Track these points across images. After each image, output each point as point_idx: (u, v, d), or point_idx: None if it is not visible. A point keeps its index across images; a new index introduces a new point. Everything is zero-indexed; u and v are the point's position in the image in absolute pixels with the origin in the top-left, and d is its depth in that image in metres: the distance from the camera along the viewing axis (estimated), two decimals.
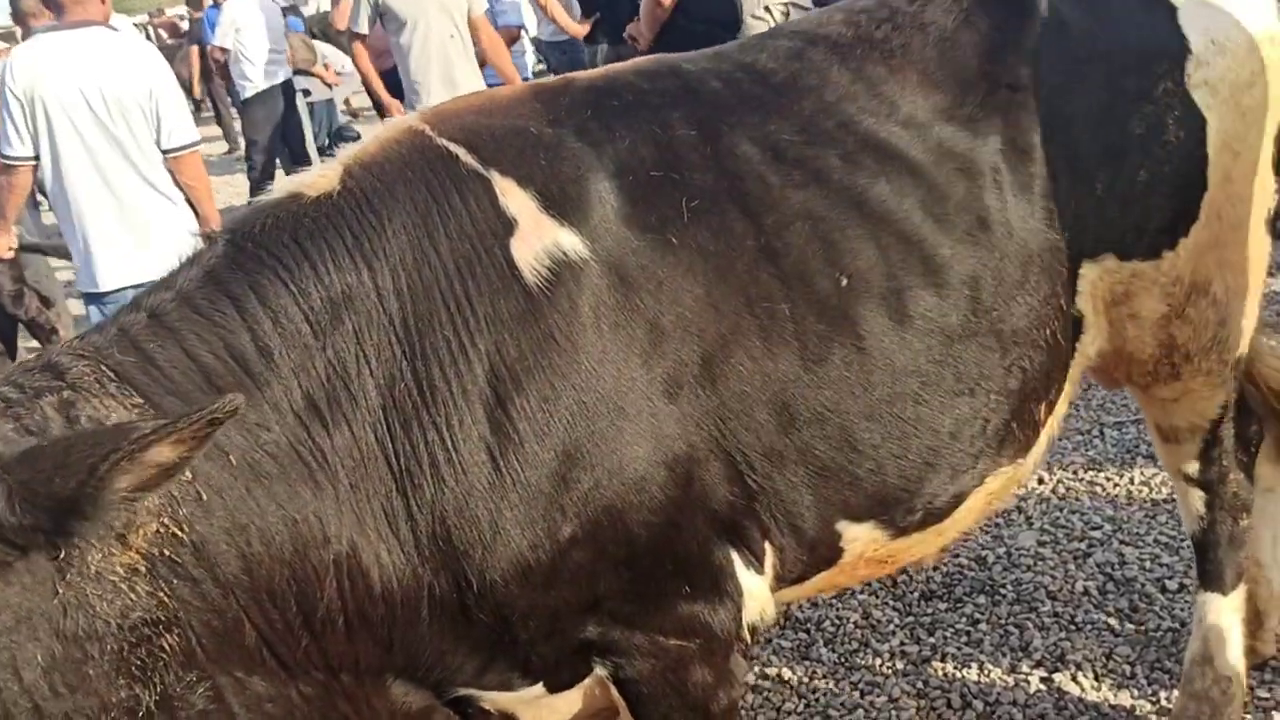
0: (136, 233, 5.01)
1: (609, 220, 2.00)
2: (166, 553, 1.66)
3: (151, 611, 1.64)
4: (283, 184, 2.04)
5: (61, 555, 1.56)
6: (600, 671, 2.04)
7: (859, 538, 2.21)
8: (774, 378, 2.03)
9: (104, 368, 1.73)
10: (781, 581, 2.19)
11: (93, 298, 5.14)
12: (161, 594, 1.66)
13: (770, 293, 2.05)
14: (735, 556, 2.06)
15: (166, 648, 1.67)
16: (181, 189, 5.21)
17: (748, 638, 2.14)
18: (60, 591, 1.56)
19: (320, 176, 2.00)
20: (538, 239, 1.94)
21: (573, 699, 2.10)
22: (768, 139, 2.16)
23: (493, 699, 2.05)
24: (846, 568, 2.29)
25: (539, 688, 2.03)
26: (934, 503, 2.28)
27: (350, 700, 1.92)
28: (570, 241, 1.95)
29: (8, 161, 5.03)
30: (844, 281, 2.10)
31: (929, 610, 3.75)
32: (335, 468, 1.80)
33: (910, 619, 3.73)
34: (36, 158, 4.98)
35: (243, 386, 1.76)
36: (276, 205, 1.96)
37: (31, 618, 1.54)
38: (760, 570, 2.11)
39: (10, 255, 5.68)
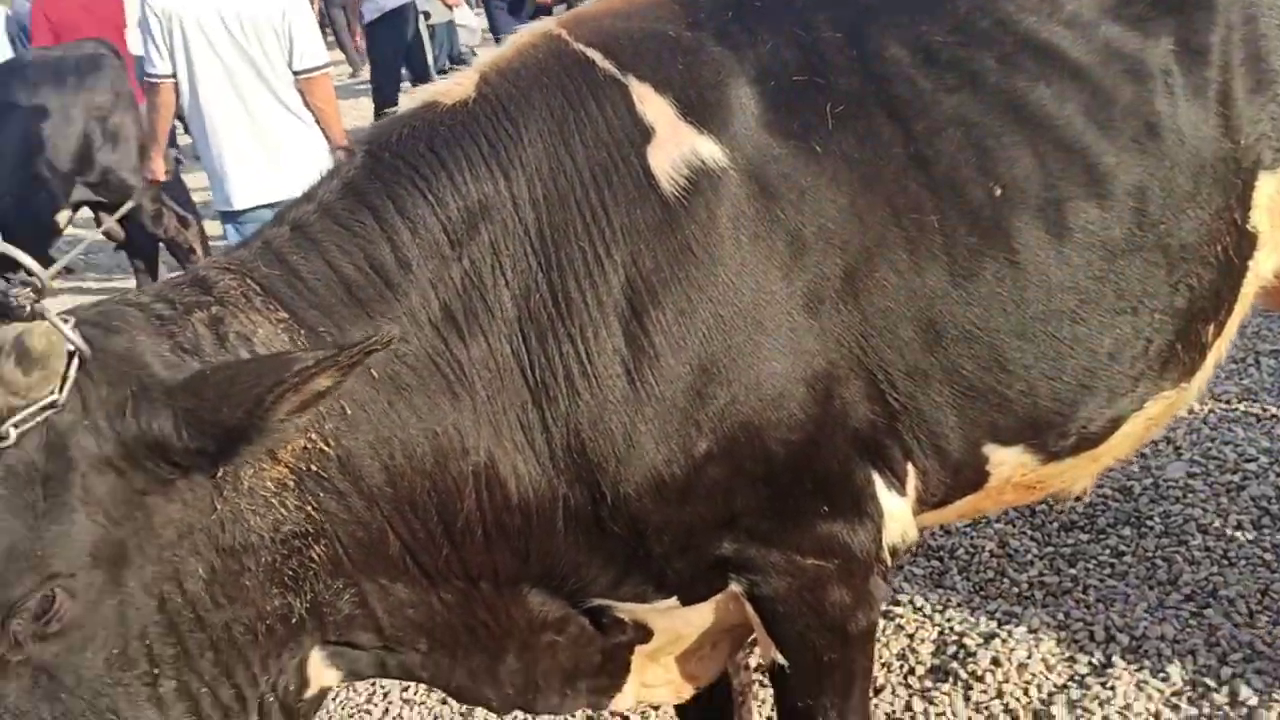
0: (270, 152, 5.11)
1: (749, 127, 1.93)
2: (314, 468, 1.70)
3: (300, 524, 1.69)
4: (419, 93, 2.02)
5: (219, 474, 1.60)
6: (736, 588, 2.02)
7: (1006, 461, 2.13)
8: (920, 293, 1.95)
9: (250, 281, 1.75)
10: (923, 505, 2.13)
11: (228, 216, 5.27)
12: (309, 507, 1.70)
13: (919, 203, 1.96)
14: (877, 477, 2.01)
15: (315, 558, 1.72)
16: (312, 111, 5.28)
17: (888, 560, 2.09)
18: (218, 507, 1.61)
19: (456, 84, 1.97)
20: (675, 147, 1.89)
21: (706, 612, 2.09)
22: (919, 40, 2.06)
23: (628, 609, 2.05)
24: (992, 492, 2.21)
25: (673, 600, 2.02)
26: (1089, 427, 2.18)
27: (489, 608, 1.95)
28: (709, 149, 1.89)
29: (151, 79, 5.18)
30: (998, 191, 1.99)
31: (1070, 541, 3.64)
32: (472, 380, 1.80)
33: (1050, 549, 3.62)
34: (176, 75, 5.10)
35: (382, 298, 1.78)
36: (413, 115, 1.96)
37: (193, 532, 1.60)
38: (902, 492, 2.05)
39: (167, 177, 5.85)
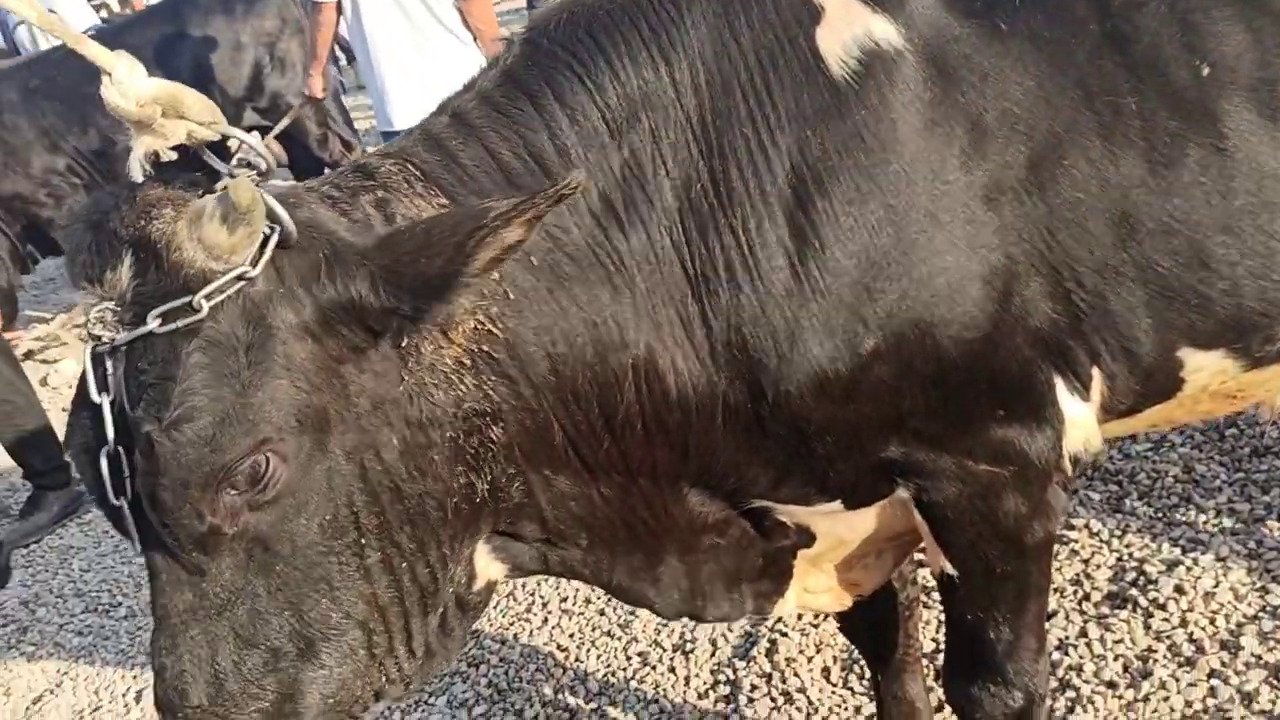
0: (431, 72, 5.14)
1: (927, 5, 1.82)
2: (485, 349, 1.70)
3: (480, 403, 1.71)
4: None
5: (405, 345, 1.62)
6: (903, 494, 1.94)
7: (1204, 367, 1.97)
8: (1114, 183, 1.81)
9: (410, 167, 1.75)
10: (1109, 413, 1.99)
11: (389, 136, 5.35)
12: (486, 387, 1.71)
13: (1115, 84, 1.81)
14: (1059, 380, 1.88)
15: (494, 439, 1.74)
16: (471, 31, 5.29)
17: (1069, 469, 1.96)
18: (405, 379, 1.63)
19: None
20: (846, 27, 1.79)
21: (872, 517, 2.03)
22: None
23: (789, 511, 2.01)
24: (1187, 401, 2.05)
25: (836, 504, 1.96)
26: None
27: (648, 504, 1.93)
28: (883, 30, 1.79)
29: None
30: (1205, 70, 1.82)
31: (1263, 467, 3.41)
32: (631, 271, 1.76)
33: (1240, 475, 3.41)
34: None
35: (540, 185, 1.75)
36: (573, 1, 1.90)
37: (384, 403, 1.62)
38: (1086, 397, 1.92)
39: (324, 95, 5.98)
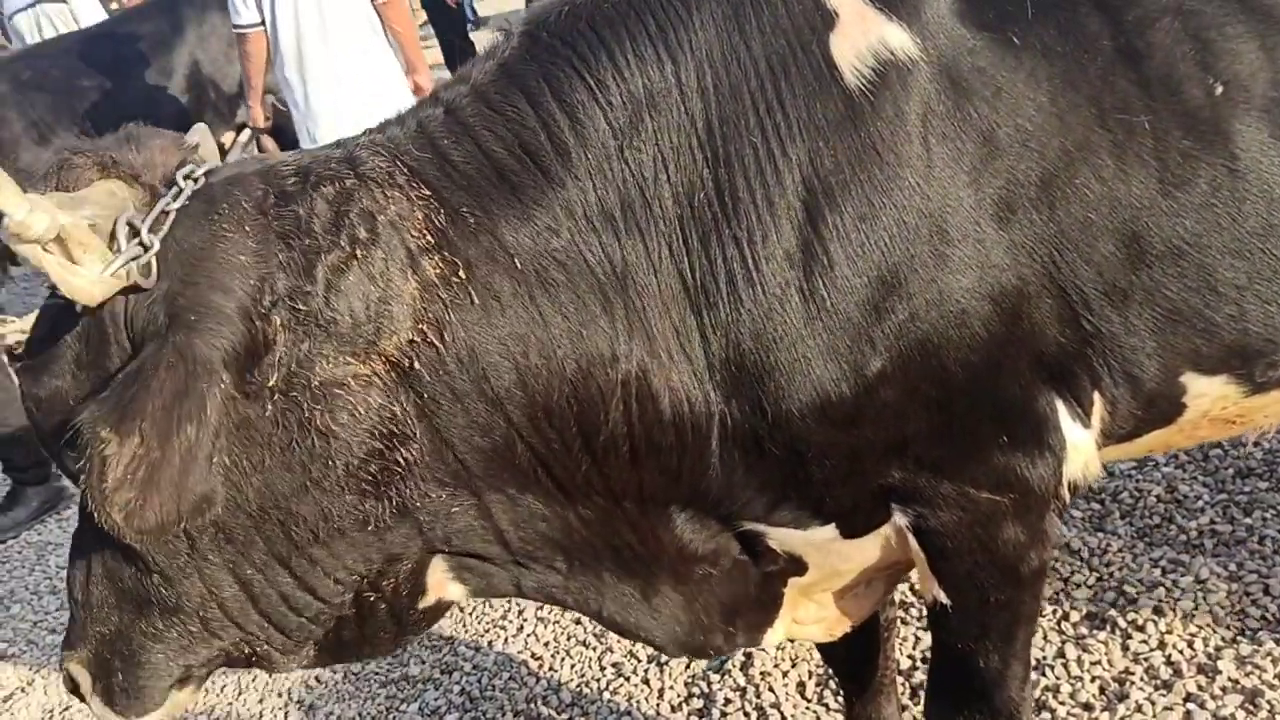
0: (350, 82, 5.09)
1: (942, 15, 1.73)
2: (417, 365, 1.61)
3: (385, 424, 1.63)
4: None
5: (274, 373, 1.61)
6: (900, 520, 1.86)
7: (1207, 393, 1.90)
8: (1125, 203, 1.73)
9: (399, 163, 1.69)
10: (1109, 438, 1.92)
11: None
12: (398, 406, 1.62)
13: (1127, 102, 1.74)
14: (1061, 405, 1.81)
15: (402, 461, 1.65)
16: (390, 36, 5.24)
17: (1067, 496, 1.89)
18: (274, 399, 1.59)
19: None
20: (861, 35, 1.71)
21: (866, 547, 1.94)
22: None
23: (781, 537, 1.91)
24: (1186, 426, 1.99)
25: (831, 529, 1.88)
26: None
27: (634, 529, 1.85)
28: (898, 39, 1.70)
29: (240, 30, 5.21)
30: (1219, 89, 1.75)
31: (1245, 489, 3.35)
32: (626, 280, 1.68)
33: (1223, 496, 3.35)
34: (263, 23, 5.12)
35: (535, 185, 1.67)
36: None
37: (243, 425, 1.59)
38: (1087, 423, 1.85)
39: (267, 124, 5.90)
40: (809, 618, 2.18)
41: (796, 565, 2.00)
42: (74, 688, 1.89)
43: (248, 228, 1.59)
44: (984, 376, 1.73)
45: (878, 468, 1.79)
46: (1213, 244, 1.76)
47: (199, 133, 1.87)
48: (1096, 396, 1.83)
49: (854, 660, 2.57)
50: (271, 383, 1.57)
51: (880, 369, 1.69)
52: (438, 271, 1.63)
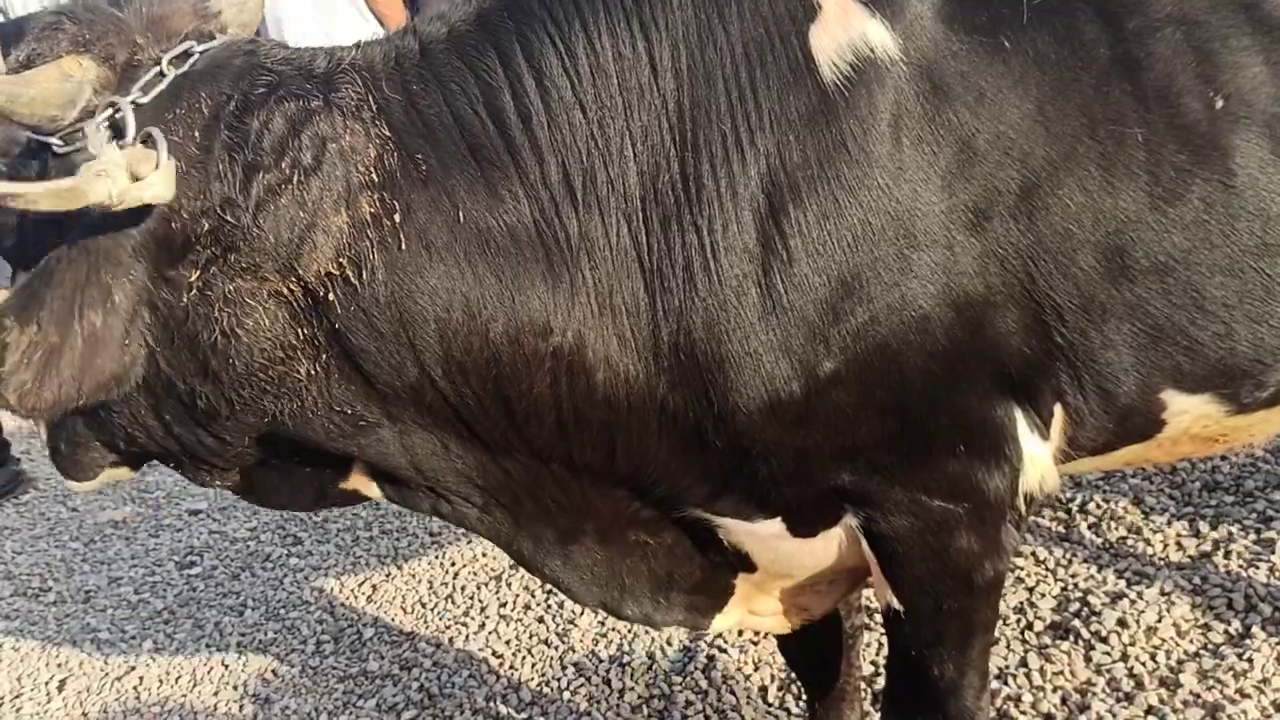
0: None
1: (929, 15, 1.69)
2: (331, 296, 1.63)
3: (285, 338, 1.67)
4: None
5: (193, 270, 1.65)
6: (851, 521, 1.83)
7: (1188, 411, 1.86)
8: (1110, 215, 1.69)
9: (371, 98, 1.68)
10: (1079, 450, 1.89)
11: None
12: (303, 329, 1.66)
13: (1120, 113, 1.69)
14: (1020, 416, 1.78)
15: (302, 374, 1.69)
16: (376, 16, 5.16)
17: (1023, 507, 1.86)
18: (183, 297, 1.64)
19: None
20: (842, 30, 1.67)
21: (816, 550, 1.91)
22: None
23: (727, 527, 1.89)
24: (1165, 443, 1.95)
25: (778, 523, 1.85)
26: None
27: (562, 489, 1.84)
28: (879, 36, 1.66)
29: None
30: (1219, 103, 1.70)
31: (1212, 502, 3.35)
32: (577, 254, 1.65)
33: (1189, 510, 3.34)
34: None
35: (493, 148, 1.65)
36: None
37: (161, 310, 1.66)
38: (1045, 435, 1.82)
39: None
40: (766, 610, 2.16)
41: (743, 562, 1.97)
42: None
43: (196, 134, 1.61)
44: (942, 384, 1.70)
45: (827, 469, 1.76)
46: (1202, 261, 1.72)
47: None
48: (1058, 409, 1.80)
49: (817, 664, 2.54)
50: (191, 279, 1.62)
51: (834, 370, 1.66)
52: (372, 210, 1.62)
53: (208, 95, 1.62)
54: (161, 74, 1.62)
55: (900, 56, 1.66)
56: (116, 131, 1.56)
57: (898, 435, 1.73)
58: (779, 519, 1.84)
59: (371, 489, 1.91)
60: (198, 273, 1.61)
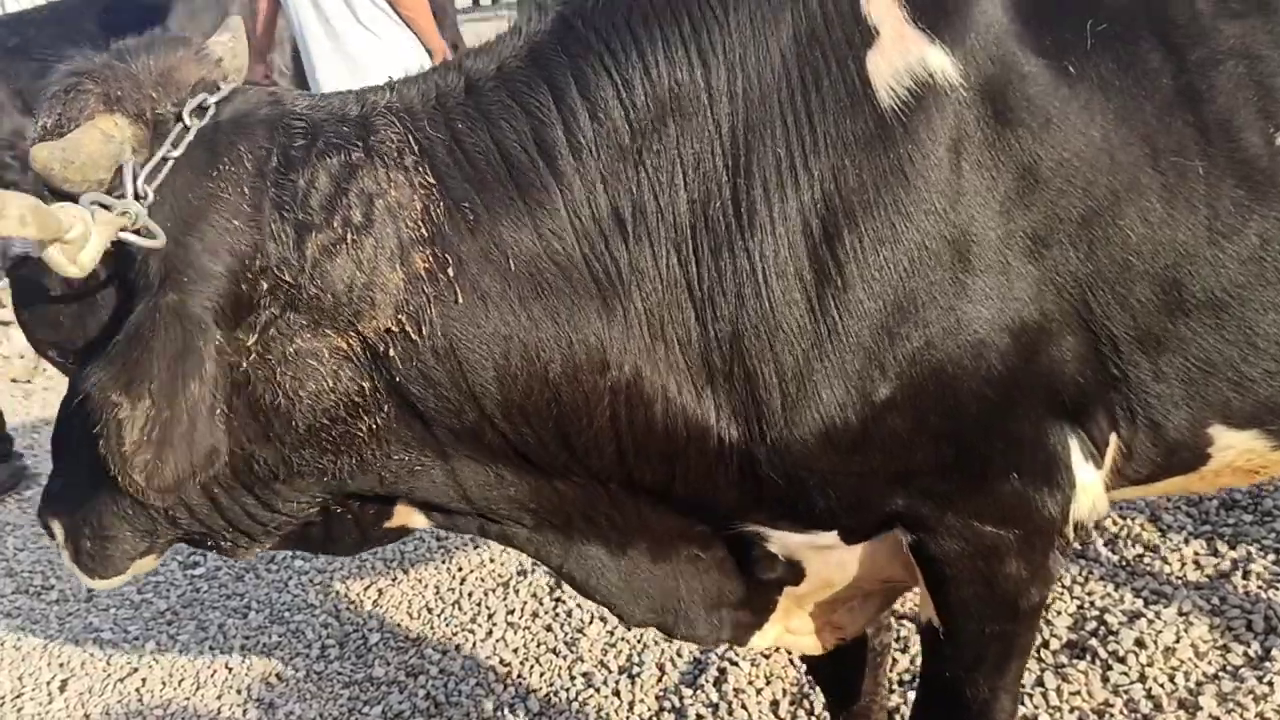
0: (353, 69, 4.99)
1: (992, 39, 1.64)
2: (392, 352, 1.60)
3: (350, 396, 1.64)
4: None
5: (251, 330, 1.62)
6: (902, 538, 1.80)
7: (1234, 446, 1.83)
8: (1169, 248, 1.65)
9: (411, 139, 1.64)
10: (1124, 479, 1.85)
11: None
12: (367, 382, 1.64)
13: (1183, 145, 1.65)
14: (1074, 444, 1.74)
15: (364, 430, 1.67)
16: (404, 19, 5.10)
17: (1071, 535, 1.82)
18: (242, 360, 1.61)
19: None
20: (900, 55, 1.63)
21: (866, 555, 1.88)
22: None
23: (783, 540, 1.86)
24: (1209, 475, 1.91)
25: (833, 535, 1.83)
26: None
27: (617, 507, 1.81)
28: (939, 61, 1.62)
29: None
30: (1279, 139, 1.66)
31: (1230, 521, 3.29)
32: (630, 287, 1.62)
33: (1207, 528, 3.28)
34: None
35: (543, 185, 1.62)
36: None
37: (225, 373, 1.61)
38: (1099, 464, 1.78)
39: (267, 80, 5.79)
40: (803, 629, 2.13)
41: (794, 573, 1.94)
42: (51, 535, 1.91)
43: (246, 190, 1.57)
44: (997, 410, 1.66)
45: (882, 495, 1.73)
46: (1257, 297, 1.68)
47: (231, 29, 1.82)
48: (1112, 438, 1.76)
49: (841, 684, 2.49)
50: (250, 342, 1.58)
51: (889, 396, 1.62)
52: (426, 266, 1.59)
53: (247, 150, 1.59)
54: (186, 127, 1.59)
55: (961, 81, 1.62)
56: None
57: (952, 461, 1.69)
58: (834, 532, 1.82)
59: (418, 520, 1.89)
60: (256, 335, 1.58)
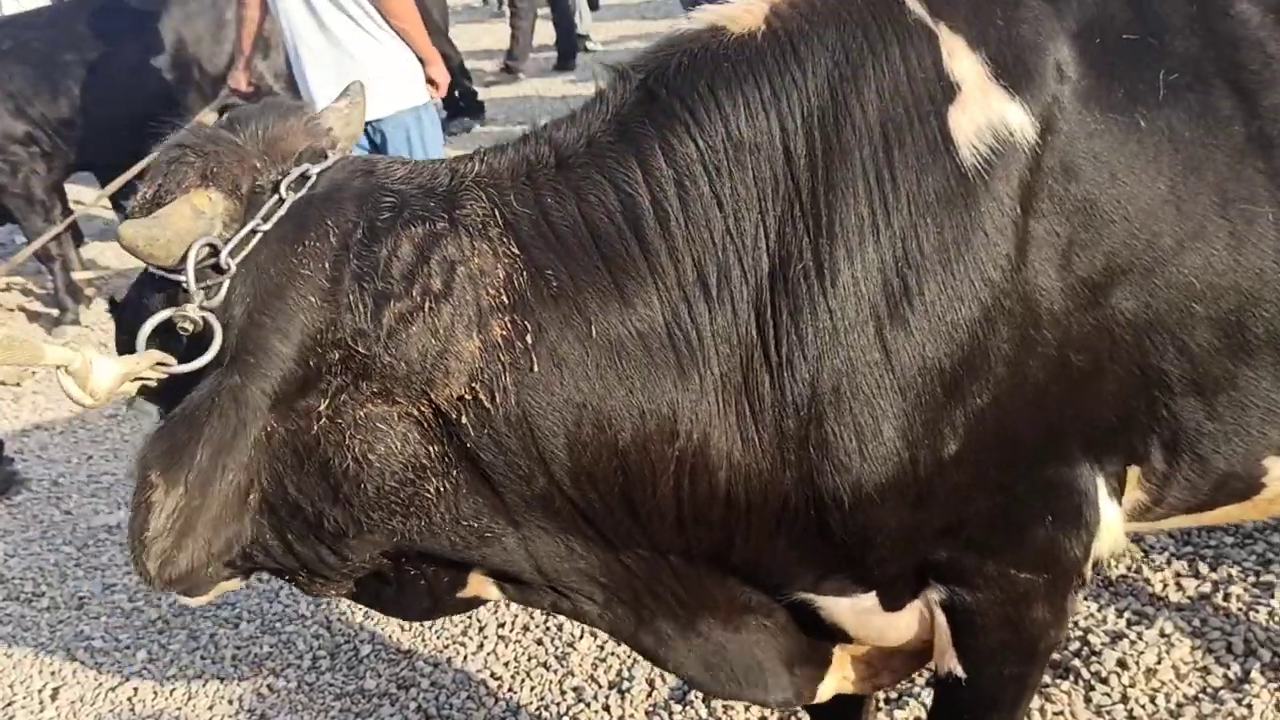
0: (346, 71, 4.94)
1: (1067, 94, 1.63)
2: (464, 420, 1.58)
3: (418, 459, 1.63)
4: (705, 14, 1.78)
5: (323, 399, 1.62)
6: (934, 595, 1.79)
7: None
8: (1233, 292, 1.65)
9: (498, 213, 1.63)
10: (1173, 510, 1.88)
11: None
12: (435, 447, 1.61)
13: (1253, 193, 1.64)
14: (1100, 482, 1.74)
15: (431, 492, 1.65)
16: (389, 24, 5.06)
17: (1088, 574, 1.83)
18: (320, 421, 1.61)
19: (745, 10, 1.72)
20: (982, 111, 1.61)
21: (902, 624, 1.88)
22: None
23: (828, 607, 1.86)
24: (1261, 504, 1.92)
25: (871, 598, 1.82)
26: None
27: (679, 579, 1.79)
28: (1018, 119, 1.61)
29: None
30: None
31: (1212, 543, 3.33)
32: (708, 353, 1.60)
33: (1189, 550, 3.31)
34: None
35: (629, 255, 1.62)
36: (695, 40, 1.72)
37: (286, 440, 1.62)
38: (1121, 500, 1.78)
39: (249, 89, 5.76)
40: (859, 675, 2.13)
41: (840, 632, 1.95)
42: None
43: (327, 266, 1.56)
44: (1043, 456, 1.66)
45: (930, 547, 1.73)
46: None
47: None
48: (1129, 471, 1.77)
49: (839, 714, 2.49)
50: (320, 408, 1.57)
51: (957, 451, 1.62)
52: (504, 333, 1.57)
53: (334, 224, 1.58)
54: (281, 200, 1.59)
55: (1038, 139, 1.61)
56: (216, 268, 1.55)
57: (1000, 510, 1.69)
58: (873, 593, 1.82)
59: (491, 591, 1.87)
60: (327, 401, 1.56)
